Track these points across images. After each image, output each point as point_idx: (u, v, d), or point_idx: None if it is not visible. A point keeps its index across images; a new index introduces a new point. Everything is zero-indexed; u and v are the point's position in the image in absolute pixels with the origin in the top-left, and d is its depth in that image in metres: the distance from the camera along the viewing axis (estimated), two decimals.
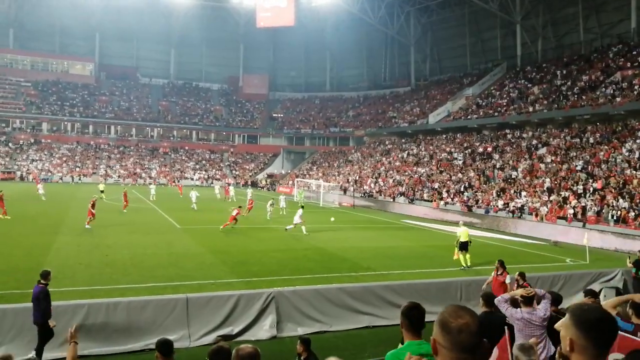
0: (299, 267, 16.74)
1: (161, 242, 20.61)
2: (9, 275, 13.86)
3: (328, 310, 10.80)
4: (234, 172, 77.12)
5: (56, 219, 26.30)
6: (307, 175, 64.97)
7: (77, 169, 67.78)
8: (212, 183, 62.61)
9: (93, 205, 24.34)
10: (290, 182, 63.00)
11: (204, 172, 74.36)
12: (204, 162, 78.42)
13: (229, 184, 56.77)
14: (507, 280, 11.17)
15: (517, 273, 10.80)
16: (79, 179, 64.46)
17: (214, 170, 76.29)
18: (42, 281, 8.77)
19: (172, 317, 9.75)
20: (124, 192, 32.61)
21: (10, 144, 69.69)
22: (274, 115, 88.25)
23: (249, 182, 68.59)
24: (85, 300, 9.53)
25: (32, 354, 8.65)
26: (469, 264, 17.85)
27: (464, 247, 17.96)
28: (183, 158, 78.36)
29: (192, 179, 70.10)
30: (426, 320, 3.63)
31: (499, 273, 11.43)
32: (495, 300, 5.93)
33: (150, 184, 53.25)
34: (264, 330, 10.22)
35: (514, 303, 5.77)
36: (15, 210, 29.37)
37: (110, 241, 20.30)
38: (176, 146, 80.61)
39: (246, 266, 16.62)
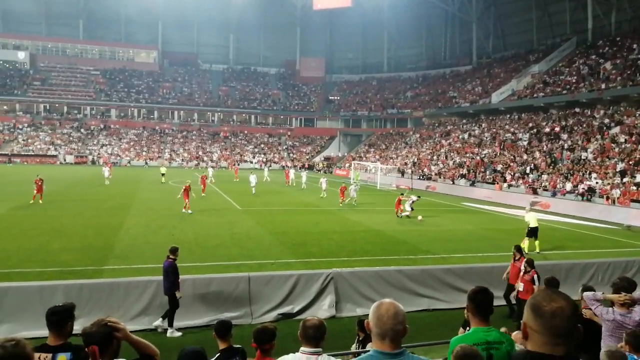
0: (356, 249, 16.75)
1: (223, 223, 21.26)
2: (83, 253, 14.78)
3: (387, 292, 10.74)
4: (291, 155, 77.99)
5: (126, 201, 27.64)
6: (364, 158, 64.62)
7: (144, 153, 70.90)
8: (270, 166, 63.64)
9: (186, 190, 23.88)
10: (347, 165, 62.91)
11: (262, 156, 75.70)
12: (262, 145, 79.77)
13: (289, 168, 57.36)
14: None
15: (525, 260, 10.31)
16: (146, 163, 67.44)
17: (272, 153, 77.48)
18: (170, 256, 9.42)
19: (235, 294, 10.08)
20: (202, 176, 33.41)
21: (82, 130, 73.91)
22: (330, 97, 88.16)
23: (306, 165, 69.07)
24: (155, 277, 9.96)
25: (159, 320, 9.32)
26: (538, 250, 17.14)
27: (533, 233, 17.26)
28: (242, 142, 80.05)
29: (251, 162, 71.61)
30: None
31: (516, 259, 10.91)
32: (584, 296, 5.61)
33: (210, 167, 54.66)
34: (323, 309, 10.33)
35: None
36: (87, 192, 31.28)
37: (175, 222, 21.16)
38: (236, 130, 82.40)
39: (305, 247, 16.84)
